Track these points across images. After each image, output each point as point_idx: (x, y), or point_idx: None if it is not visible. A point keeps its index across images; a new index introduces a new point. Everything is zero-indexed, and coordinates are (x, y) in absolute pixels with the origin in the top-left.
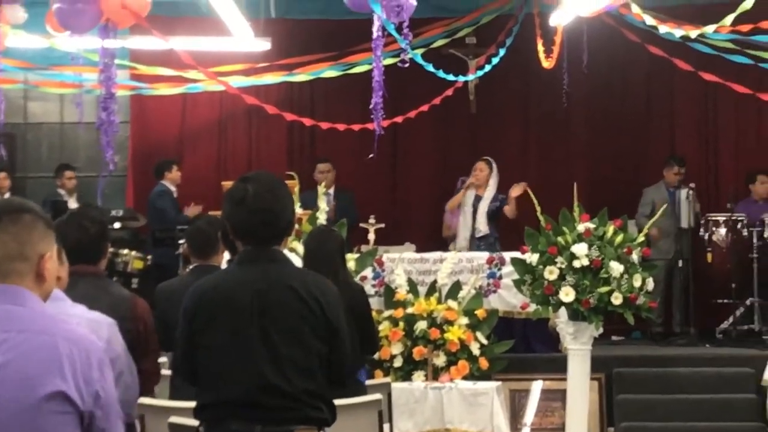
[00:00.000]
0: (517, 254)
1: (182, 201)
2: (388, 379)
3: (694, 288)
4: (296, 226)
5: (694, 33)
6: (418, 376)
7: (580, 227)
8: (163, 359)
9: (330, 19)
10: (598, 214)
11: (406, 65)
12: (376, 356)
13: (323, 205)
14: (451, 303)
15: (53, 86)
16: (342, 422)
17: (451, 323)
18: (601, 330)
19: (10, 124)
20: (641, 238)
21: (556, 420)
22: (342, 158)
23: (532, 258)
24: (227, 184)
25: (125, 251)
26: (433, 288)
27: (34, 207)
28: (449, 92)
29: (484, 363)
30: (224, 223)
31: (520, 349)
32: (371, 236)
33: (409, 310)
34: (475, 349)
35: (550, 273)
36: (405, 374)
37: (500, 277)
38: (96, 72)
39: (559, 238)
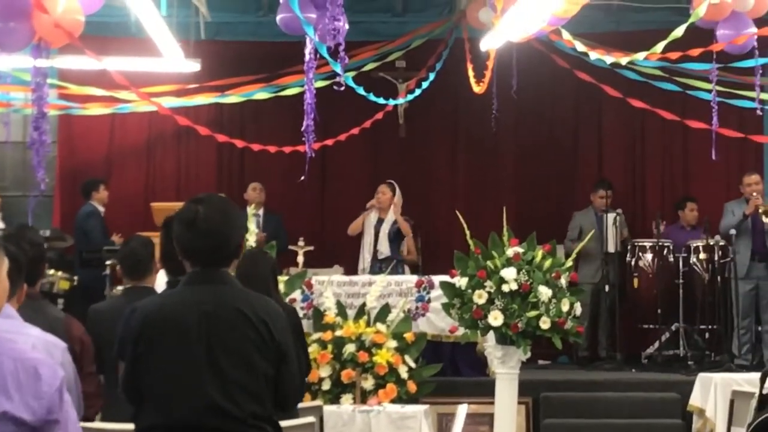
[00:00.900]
0: (446, 278)
1: (110, 221)
2: (319, 402)
3: (620, 313)
4: None
5: (624, 60)
6: (347, 399)
7: (509, 251)
8: None
9: (261, 41)
10: (527, 239)
11: (342, 88)
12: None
13: (252, 226)
14: (380, 326)
15: None
16: None
17: (379, 346)
18: (528, 354)
19: None
20: (569, 263)
21: None
22: (272, 180)
23: (461, 282)
24: (156, 205)
25: (51, 271)
26: (362, 311)
27: None
28: (379, 116)
29: (412, 386)
30: (166, 244)
31: (448, 372)
32: (300, 259)
33: (338, 332)
34: (403, 372)
35: (479, 297)
36: (333, 397)
37: (429, 301)
38: (24, 91)
39: (489, 262)
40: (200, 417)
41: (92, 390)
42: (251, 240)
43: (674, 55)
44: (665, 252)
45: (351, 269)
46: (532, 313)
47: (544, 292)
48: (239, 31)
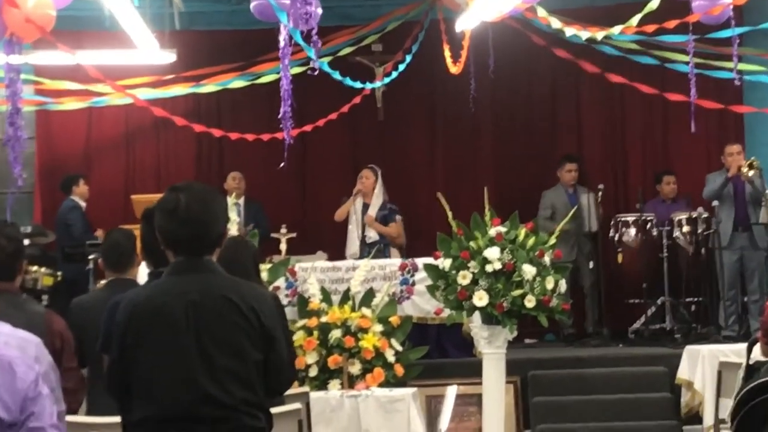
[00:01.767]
0: (429, 260)
1: (92, 215)
2: (306, 389)
3: (605, 289)
4: None
5: (600, 34)
6: (334, 384)
7: (492, 231)
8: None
9: (236, 29)
10: (510, 218)
11: (315, 73)
12: None
13: (233, 216)
14: (365, 311)
15: None
16: None
17: (365, 331)
18: (515, 333)
19: None
20: (552, 241)
21: (472, 424)
22: (251, 169)
23: (444, 263)
24: (137, 197)
25: (34, 268)
26: (346, 296)
27: None
28: (357, 100)
29: (399, 370)
30: (147, 236)
31: (435, 354)
32: (283, 246)
33: (323, 319)
34: (390, 356)
35: (463, 278)
36: (320, 383)
37: (413, 284)
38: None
39: (471, 243)
40: (193, 407)
41: (72, 385)
42: (233, 230)
43: (650, 28)
44: (648, 226)
45: (334, 255)
46: (517, 292)
47: (528, 271)
48: (214, 20)
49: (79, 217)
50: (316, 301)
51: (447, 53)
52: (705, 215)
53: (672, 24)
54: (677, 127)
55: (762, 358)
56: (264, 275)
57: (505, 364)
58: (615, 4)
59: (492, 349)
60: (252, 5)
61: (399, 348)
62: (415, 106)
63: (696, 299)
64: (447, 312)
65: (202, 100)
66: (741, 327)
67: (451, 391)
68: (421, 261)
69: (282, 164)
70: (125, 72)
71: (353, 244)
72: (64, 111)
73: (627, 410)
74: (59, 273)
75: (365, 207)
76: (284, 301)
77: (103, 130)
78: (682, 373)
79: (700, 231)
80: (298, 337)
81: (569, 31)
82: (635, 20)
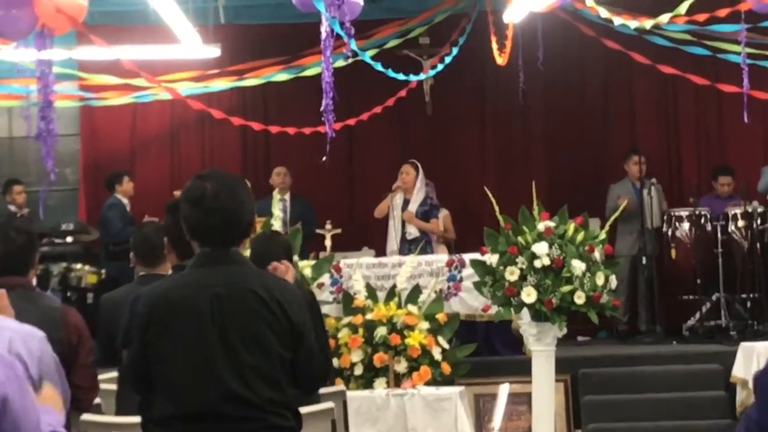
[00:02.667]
0: (477, 256)
1: (137, 212)
2: (341, 387)
3: (658, 285)
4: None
5: (648, 23)
6: (380, 383)
7: (540, 226)
8: (112, 374)
9: (280, 23)
10: (558, 212)
11: (349, 60)
12: (335, 364)
13: (277, 211)
14: (411, 308)
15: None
16: None
17: (411, 328)
18: (564, 330)
19: None
20: (603, 235)
21: (522, 424)
22: (297, 164)
23: (492, 259)
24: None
25: (78, 266)
26: (392, 293)
27: None
28: (402, 93)
29: (446, 368)
30: (171, 228)
31: (483, 352)
32: (328, 242)
33: (369, 316)
34: (436, 353)
35: (511, 273)
36: (366, 382)
37: (461, 280)
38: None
39: (519, 238)
40: (216, 405)
41: (86, 384)
42: (276, 226)
43: (701, 18)
44: (702, 221)
45: (381, 251)
46: (566, 288)
47: (578, 266)
48: (258, 14)
49: (118, 214)
50: (361, 298)
51: (494, 45)
52: (760, 209)
53: (723, 13)
54: (732, 119)
55: None
56: (308, 271)
57: (554, 361)
58: None
59: (541, 346)
60: None
61: (446, 346)
62: (463, 99)
63: (752, 295)
64: (495, 309)
65: (247, 95)
66: None
67: (504, 390)
68: (468, 257)
69: (324, 158)
70: (169, 67)
71: (393, 241)
72: (108, 107)
73: (680, 409)
74: (103, 271)
75: (406, 203)
76: (329, 298)
77: (148, 127)
78: (738, 371)
79: (755, 225)
80: (343, 334)
81: (617, 21)
82: (683, 8)
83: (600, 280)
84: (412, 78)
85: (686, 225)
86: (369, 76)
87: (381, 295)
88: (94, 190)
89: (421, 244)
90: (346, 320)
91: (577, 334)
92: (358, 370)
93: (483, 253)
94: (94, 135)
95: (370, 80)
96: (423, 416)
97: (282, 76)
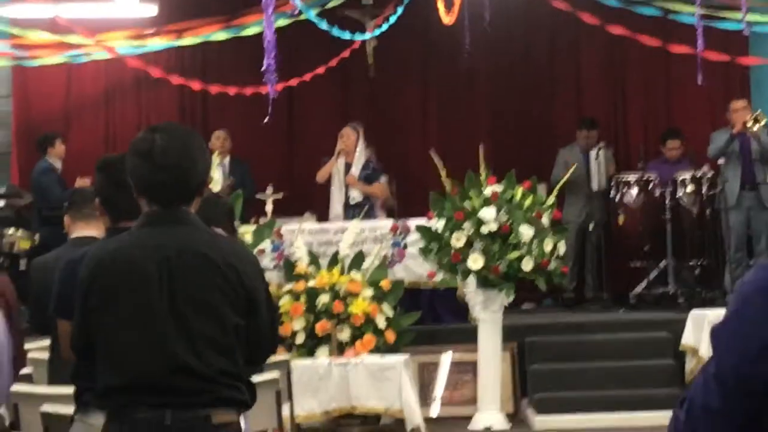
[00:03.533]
0: (422, 221)
1: (69, 176)
2: (285, 356)
3: (606, 251)
4: None
5: None
6: (322, 352)
7: (487, 191)
8: (44, 342)
9: None
10: (506, 176)
11: (293, 19)
12: None
13: (217, 175)
14: (355, 274)
15: None
16: None
17: (355, 296)
18: (512, 298)
19: None
20: (551, 201)
21: (467, 393)
22: (236, 126)
23: (437, 225)
24: None
25: (11, 231)
26: (335, 259)
27: None
28: (346, 54)
29: (390, 336)
30: (100, 188)
31: (428, 320)
32: (269, 207)
33: (311, 283)
34: (381, 322)
35: (457, 240)
36: (308, 350)
37: (405, 246)
38: None
39: (466, 203)
40: (163, 376)
41: (16, 353)
42: (216, 190)
43: None
44: (650, 186)
45: (323, 216)
46: (514, 255)
47: (526, 232)
48: None
49: (54, 179)
50: (303, 265)
51: (440, 3)
52: (710, 174)
53: None
54: (681, 82)
55: None
56: (248, 238)
57: (501, 329)
58: None
59: (488, 314)
60: None
61: (390, 313)
62: (407, 62)
63: (700, 262)
64: (440, 276)
65: (185, 55)
66: None
67: (446, 358)
68: (413, 222)
69: (266, 119)
70: (105, 25)
71: (336, 206)
72: (42, 69)
73: (629, 378)
74: (36, 236)
75: (347, 167)
76: (270, 264)
77: (83, 88)
78: (687, 339)
79: (704, 191)
80: (285, 302)
81: None
82: None
83: (548, 246)
84: (357, 37)
85: (634, 190)
86: (311, 36)
87: (323, 261)
88: (28, 154)
89: (365, 209)
90: (287, 287)
91: (522, 301)
92: (300, 339)
93: (429, 219)
94: (27, 96)
95: (312, 41)
96: (366, 386)
97: (221, 35)
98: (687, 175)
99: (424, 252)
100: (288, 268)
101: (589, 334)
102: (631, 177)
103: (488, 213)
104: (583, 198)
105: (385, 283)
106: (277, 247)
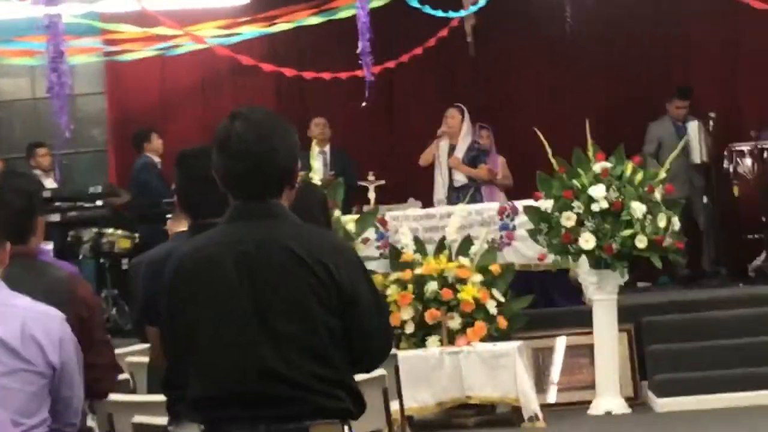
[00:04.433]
0: (530, 202)
1: (169, 171)
2: (393, 350)
3: (720, 225)
4: None
5: None
6: (433, 341)
7: (596, 167)
8: (143, 345)
9: None
10: (615, 152)
11: None
12: None
13: (317, 164)
14: (463, 260)
15: (17, 55)
16: None
17: (464, 282)
18: (626, 277)
19: None
20: (662, 174)
21: (585, 377)
22: (335, 113)
23: (546, 205)
24: None
25: (110, 230)
26: (442, 245)
27: None
28: (444, 33)
29: (502, 322)
30: (179, 181)
31: (540, 304)
32: (371, 195)
33: (418, 270)
34: (492, 307)
35: (568, 219)
36: (418, 340)
37: (514, 228)
38: (68, 40)
39: (575, 181)
40: (250, 385)
41: (105, 361)
42: (316, 180)
43: None
44: (765, 155)
45: (428, 202)
46: (627, 232)
47: (638, 209)
48: None
49: (154, 175)
50: (409, 252)
51: None
52: None
53: None
54: None
55: None
56: (351, 227)
57: (617, 310)
58: None
59: (602, 295)
60: None
61: (501, 299)
62: (507, 38)
63: None
64: (551, 257)
65: (278, 42)
66: None
67: (560, 343)
68: (521, 204)
69: (363, 103)
70: (196, 17)
71: (440, 190)
72: (134, 64)
73: (752, 355)
74: (136, 234)
75: (452, 149)
76: (375, 253)
77: (177, 81)
78: None
79: None
80: (392, 291)
81: None
82: None
83: (662, 222)
84: (452, 15)
85: (748, 160)
86: (407, 17)
87: (430, 248)
88: (124, 151)
89: (471, 192)
90: (394, 276)
91: (636, 280)
92: (410, 329)
93: (537, 199)
94: (121, 92)
95: (409, 21)
96: (480, 374)
97: (314, 20)
98: None
99: (534, 233)
100: (394, 256)
101: (708, 312)
102: (745, 147)
103: (598, 190)
104: (683, 173)
105: (494, 268)
106: (382, 235)
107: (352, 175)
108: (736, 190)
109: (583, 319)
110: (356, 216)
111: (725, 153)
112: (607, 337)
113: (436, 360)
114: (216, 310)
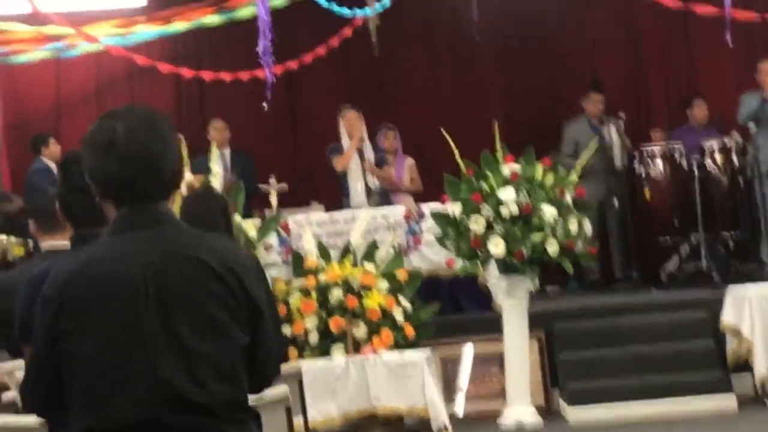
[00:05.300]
0: (437, 206)
1: None
2: (296, 364)
3: (632, 228)
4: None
5: None
6: (338, 350)
7: (505, 170)
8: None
9: None
10: (524, 154)
11: None
12: (288, 332)
13: (216, 167)
14: (368, 266)
15: None
16: None
17: (369, 289)
18: (537, 283)
19: None
20: (574, 177)
21: (494, 386)
22: (235, 115)
23: (454, 208)
24: None
25: (2, 237)
26: (346, 251)
27: None
28: (348, 33)
29: (410, 330)
30: (64, 189)
31: (449, 311)
32: (273, 199)
33: (322, 277)
34: (398, 315)
35: (476, 223)
36: (322, 350)
37: (421, 233)
38: None
39: (483, 184)
40: (155, 412)
41: None
42: (215, 183)
43: None
44: (677, 156)
45: (331, 206)
46: (537, 237)
47: (549, 212)
48: None
49: (46, 180)
50: (312, 258)
51: None
52: (739, 140)
53: None
54: (702, 42)
55: None
56: (253, 233)
57: (527, 317)
58: None
59: (512, 301)
60: None
61: (408, 306)
62: (413, 38)
63: (733, 233)
64: (460, 263)
65: (178, 44)
66: None
67: (468, 350)
68: (427, 207)
69: (264, 104)
70: (91, 18)
71: (358, 195)
72: (29, 66)
73: (666, 362)
74: (30, 241)
75: (359, 152)
76: (278, 260)
77: (73, 83)
78: (727, 317)
79: (734, 158)
80: (295, 299)
81: None
82: None
83: (573, 226)
84: (357, 13)
85: (659, 162)
86: (309, 16)
87: (334, 254)
88: (18, 154)
89: (382, 194)
90: (297, 283)
91: (545, 284)
92: (313, 338)
93: (444, 203)
94: (16, 95)
95: (311, 21)
96: (387, 384)
97: (214, 20)
98: (715, 144)
99: (441, 238)
100: (297, 262)
101: (620, 318)
102: (656, 147)
103: (507, 193)
104: (601, 175)
105: (401, 274)
106: (285, 241)
107: (253, 178)
108: (647, 193)
109: (492, 327)
110: (257, 221)
111: (635, 154)
112: (518, 345)
113: (341, 370)
114: (116, 330)
